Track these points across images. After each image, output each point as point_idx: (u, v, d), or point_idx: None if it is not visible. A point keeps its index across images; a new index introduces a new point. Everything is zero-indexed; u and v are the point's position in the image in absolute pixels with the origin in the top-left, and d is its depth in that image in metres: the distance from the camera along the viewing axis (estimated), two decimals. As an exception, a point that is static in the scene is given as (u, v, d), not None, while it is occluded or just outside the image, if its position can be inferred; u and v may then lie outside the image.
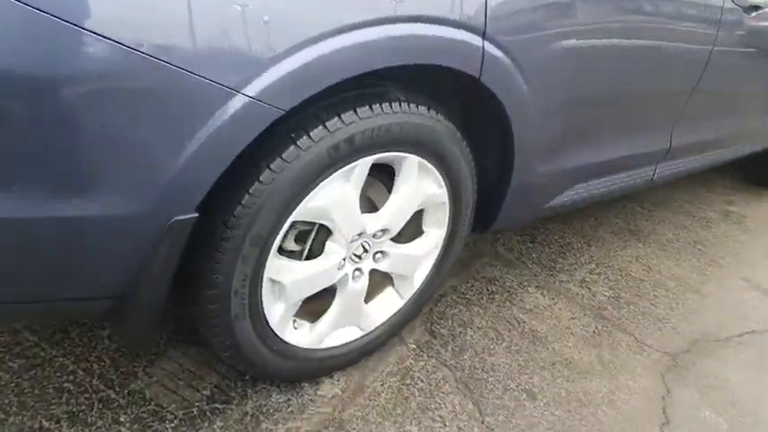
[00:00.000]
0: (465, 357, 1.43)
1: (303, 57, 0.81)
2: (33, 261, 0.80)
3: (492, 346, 1.48)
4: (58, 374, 1.16)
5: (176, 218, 0.84)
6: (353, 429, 1.18)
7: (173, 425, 1.11)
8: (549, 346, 1.53)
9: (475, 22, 0.99)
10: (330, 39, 0.83)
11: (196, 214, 0.86)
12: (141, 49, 0.71)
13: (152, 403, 1.14)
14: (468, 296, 1.65)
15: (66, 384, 1.14)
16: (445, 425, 1.24)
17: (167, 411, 1.13)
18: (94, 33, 0.68)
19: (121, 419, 1.10)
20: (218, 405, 1.17)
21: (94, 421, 1.09)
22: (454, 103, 1.15)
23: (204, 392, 1.19)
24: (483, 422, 1.26)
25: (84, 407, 1.11)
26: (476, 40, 1.01)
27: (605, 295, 1.79)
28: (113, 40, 0.69)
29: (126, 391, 1.16)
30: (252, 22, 0.78)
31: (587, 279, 1.85)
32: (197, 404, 1.16)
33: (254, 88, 0.80)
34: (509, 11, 1.04)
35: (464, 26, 0.98)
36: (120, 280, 0.88)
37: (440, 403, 1.29)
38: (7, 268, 0.79)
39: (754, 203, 2.67)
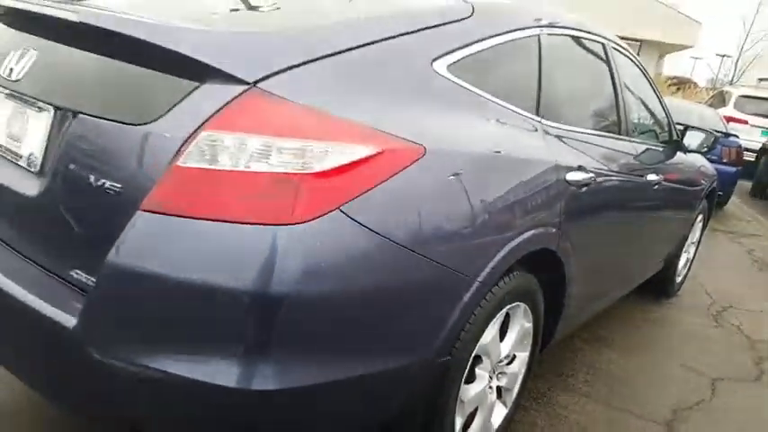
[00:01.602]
0: (545, 447, 1.95)
1: (514, 244, 1.42)
2: (336, 408, 1.23)
3: (558, 437, 2.02)
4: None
5: (441, 359, 1.35)
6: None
7: None
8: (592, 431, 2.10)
9: (557, 221, 1.68)
10: (518, 237, 1.46)
11: (449, 357, 1.37)
12: (409, 246, 1.17)
13: None
14: (521, 402, 2.19)
15: None
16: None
17: None
18: (380, 235, 1.11)
19: None
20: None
21: None
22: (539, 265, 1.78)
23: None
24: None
25: None
26: (556, 231, 1.69)
27: (604, 389, 2.43)
28: (398, 243, 1.15)
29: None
30: (489, 223, 1.36)
31: (588, 380, 2.49)
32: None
33: (482, 275, 1.38)
34: (569, 213, 1.75)
35: (555, 225, 1.66)
36: (395, 409, 1.34)
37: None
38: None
39: (663, 308, 3.57)
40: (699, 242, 4.05)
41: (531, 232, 1.54)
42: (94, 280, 1.09)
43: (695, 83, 27.81)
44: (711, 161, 4.83)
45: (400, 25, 1.33)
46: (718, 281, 4.30)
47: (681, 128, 3.09)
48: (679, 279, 3.83)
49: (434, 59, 1.36)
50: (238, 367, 1.03)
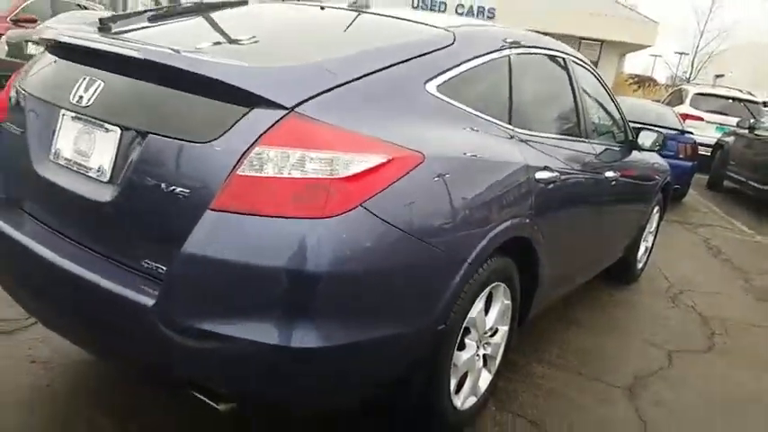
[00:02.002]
0: (527, 412, 2.27)
1: (495, 232, 1.73)
2: (359, 365, 1.52)
3: (536, 402, 2.34)
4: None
5: (439, 327, 1.64)
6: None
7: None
8: (565, 396, 2.43)
9: (528, 214, 1.99)
10: (498, 227, 1.76)
11: (445, 325, 1.67)
12: (413, 234, 1.47)
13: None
14: (502, 371, 2.50)
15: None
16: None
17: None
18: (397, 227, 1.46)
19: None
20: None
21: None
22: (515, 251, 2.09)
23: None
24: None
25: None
26: (529, 221, 2.00)
27: (576, 362, 2.76)
28: (405, 231, 1.45)
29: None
30: (474, 215, 1.67)
31: (560, 354, 2.81)
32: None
33: (470, 258, 1.68)
34: (539, 207, 2.06)
35: (528, 216, 1.98)
36: (397, 373, 1.63)
37: (528, 434, 2.11)
38: (345, 372, 1.49)
39: (626, 292, 3.94)
40: (656, 231, 4.43)
41: (509, 222, 1.85)
42: (164, 267, 1.36)
43: (655, 80, 28.89)
44: (668, 157, 5.25)
45: (399, 54, 1.63)
46: (675, 267, 4.70)
47: (637, 128, 3.46)
48: (640, 265, 4.20)
49: (426, 81, 1.67)
50: (287, 329, 1.31)
